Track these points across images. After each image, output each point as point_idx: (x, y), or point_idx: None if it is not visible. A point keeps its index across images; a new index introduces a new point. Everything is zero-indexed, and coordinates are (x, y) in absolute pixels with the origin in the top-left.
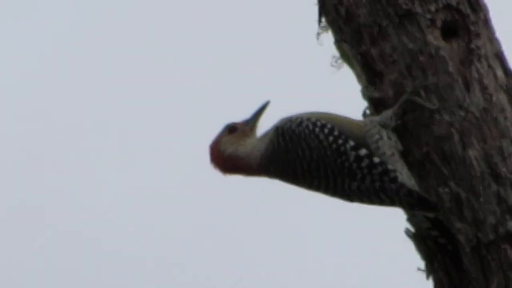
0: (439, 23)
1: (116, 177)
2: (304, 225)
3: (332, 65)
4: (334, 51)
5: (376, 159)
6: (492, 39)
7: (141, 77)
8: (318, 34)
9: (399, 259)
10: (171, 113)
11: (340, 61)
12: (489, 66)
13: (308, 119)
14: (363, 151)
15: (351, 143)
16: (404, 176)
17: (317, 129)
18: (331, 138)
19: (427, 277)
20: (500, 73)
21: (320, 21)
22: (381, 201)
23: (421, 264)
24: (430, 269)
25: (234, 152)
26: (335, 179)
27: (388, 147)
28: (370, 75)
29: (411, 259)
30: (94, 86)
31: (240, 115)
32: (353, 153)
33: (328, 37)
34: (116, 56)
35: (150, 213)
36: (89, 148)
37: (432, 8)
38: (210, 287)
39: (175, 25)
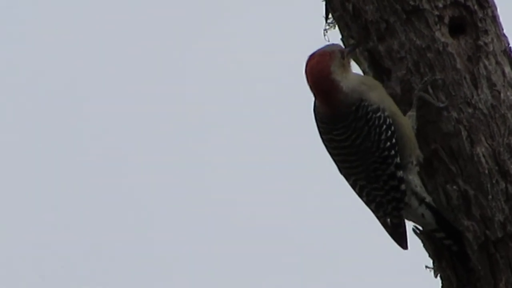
0: (446, 19)
1: None
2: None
3: None
4: None
5: (403, 187)
6: (500, 36)
7: None
8: (325, 30)
9: (407, 257)
10: None
11: None
12: (497, 62)
13: (388, 116)
14: (400, 173)
15: (398, 160)
16: (407, 214)
17: (384, 127)
18: (388, 144)
19: (435, 275)
20: (508, 69)
21: (327, 17)
22: (367, 203)
23: (429, 262)
24: (438, 267)
25: (338, 82)
26: (355, 168)
27: (414, 185)
28: (377, 71)
29: (419, 257)
30: None
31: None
32: (393, 169)
33: (335, 33)
34: None
35: None
36: None
37: (440, 4)
38: None
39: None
